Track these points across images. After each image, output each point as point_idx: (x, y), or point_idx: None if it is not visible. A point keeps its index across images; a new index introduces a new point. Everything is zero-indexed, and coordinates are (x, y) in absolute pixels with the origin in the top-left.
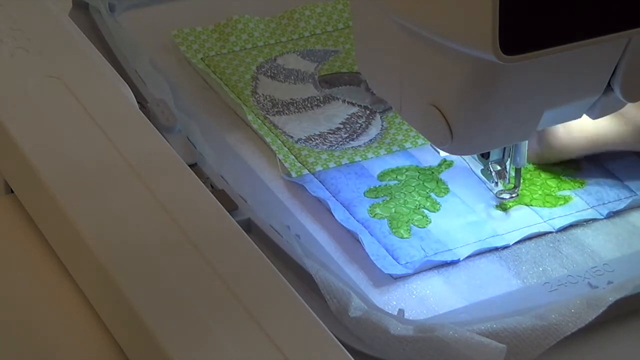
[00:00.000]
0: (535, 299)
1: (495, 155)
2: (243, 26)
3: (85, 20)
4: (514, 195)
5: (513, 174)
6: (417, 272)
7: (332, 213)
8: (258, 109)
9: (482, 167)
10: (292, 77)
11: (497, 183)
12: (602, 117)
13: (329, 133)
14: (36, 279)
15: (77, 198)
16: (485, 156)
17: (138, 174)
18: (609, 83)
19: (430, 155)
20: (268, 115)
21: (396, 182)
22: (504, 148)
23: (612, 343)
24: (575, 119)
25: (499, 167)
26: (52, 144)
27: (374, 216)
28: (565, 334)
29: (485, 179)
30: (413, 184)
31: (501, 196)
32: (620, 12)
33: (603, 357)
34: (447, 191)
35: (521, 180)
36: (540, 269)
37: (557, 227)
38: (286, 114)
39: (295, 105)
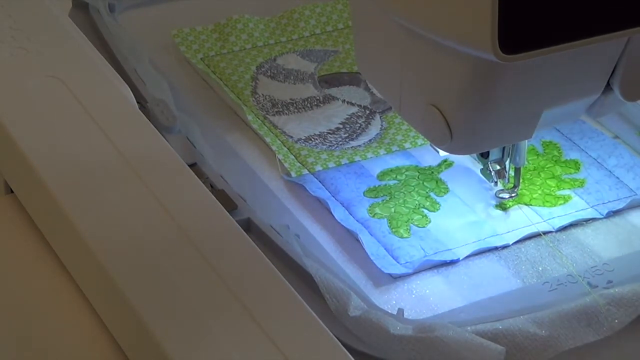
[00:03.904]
0: (535, 299)
1: (494, 154)
2: (243, 26)
3: (85, 20)
4: (513, 194)
5: (512, 173)
6: (416, 272)
7: (332, 213)
8: (258, 109)
9: (482, 167)
10: (292, 77)
11: (496, 182)
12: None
13: (329, 133)
14: (36, 279)
15: (77, 198)
16: (484, 155)
17: (138, 174)
18: (608, 83)
19: (430, 155)
20: (268, 115)
21: (396, 181)
22: (504, 148)
23: (611, 353)
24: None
25: (498, 167)
26: (52, 144)
27: (373, 216)
28: (564, 349)
29: (484, 179)
30: (413, 184)
31: (500, 195)
32: (620, 12)
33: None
34: (447, 191)
35: (521, 180)
36: (540, 268)
37: (557, 226)
38: (286, 114)
39: (295, 105)
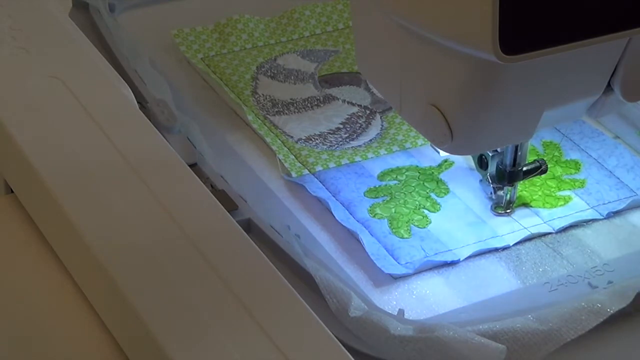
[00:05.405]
0: (535, 299)
1: (493, 167)
2: (243, 26)
3: (85, 20)
4: (508, 210)
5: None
6: (417, 272)
7: (332, 213)
8: (258, 109)
9: (481, 178)
10: (292, 77)
11: (494, 194)
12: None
13: (329, 133)
14: (36, 279)
15: (77, 198)
16: (483, 167)
17: (138, 174)
18: (609, 83)
19: (431, 156)
20: (268, 115)
21: (396, 182)
22: (502, 156)
23: (611, 345)
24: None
25: (500, 192)
26: (52, 144)
27: (374, 216)
28: (565, 340)
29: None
30: (413, 184)
31: (496, 210)
32: (620, 12)
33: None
34: (447, 191)
35: (516, 194)
36: (540, 269)
37: (557, 227)
38: (286, 114)
39: (295, 105)
